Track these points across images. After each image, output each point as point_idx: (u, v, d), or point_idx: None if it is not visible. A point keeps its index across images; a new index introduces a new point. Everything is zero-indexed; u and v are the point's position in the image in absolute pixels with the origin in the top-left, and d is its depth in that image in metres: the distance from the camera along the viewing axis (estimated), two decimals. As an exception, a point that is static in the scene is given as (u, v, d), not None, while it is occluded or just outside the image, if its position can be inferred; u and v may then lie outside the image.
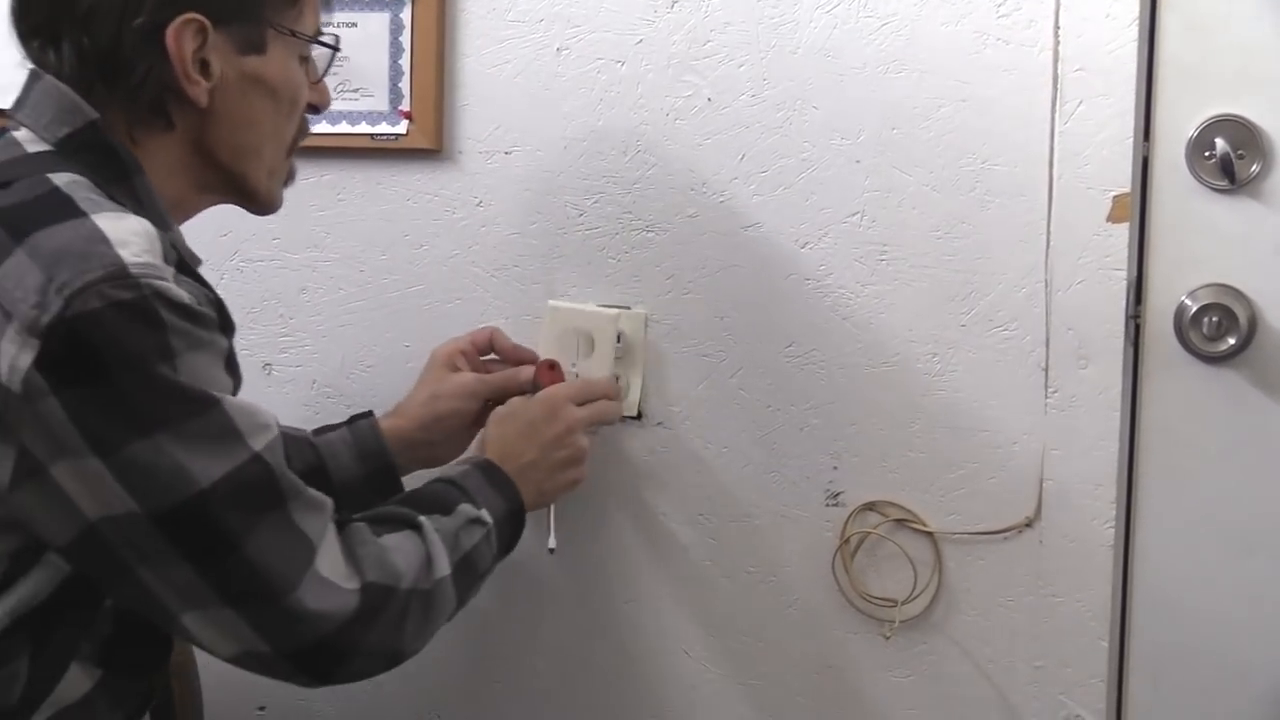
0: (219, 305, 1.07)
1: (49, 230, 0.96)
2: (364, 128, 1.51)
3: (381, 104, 1.51)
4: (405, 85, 1.49)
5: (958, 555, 1.38)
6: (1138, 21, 1.28)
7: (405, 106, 1.49)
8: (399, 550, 1.10)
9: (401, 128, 1.49)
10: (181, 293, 0.98)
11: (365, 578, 1.06)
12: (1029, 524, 1.36)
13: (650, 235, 1.44)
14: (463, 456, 1.31)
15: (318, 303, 1.53)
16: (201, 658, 1.33)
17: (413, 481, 1.37)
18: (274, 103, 1.14)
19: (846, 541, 1.41)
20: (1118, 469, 1.33)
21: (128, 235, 0.98)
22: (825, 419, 1.40)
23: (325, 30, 1.19)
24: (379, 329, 1.53)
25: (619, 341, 1.42)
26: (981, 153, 1.33)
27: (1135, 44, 1.29)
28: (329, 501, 1.08)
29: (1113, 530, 1.33)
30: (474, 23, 1.47)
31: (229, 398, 1.01)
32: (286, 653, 1.03)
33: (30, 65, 1.10)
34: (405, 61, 1.49)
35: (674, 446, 1.45)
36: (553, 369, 1.41)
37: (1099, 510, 1.33)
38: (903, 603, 1.40)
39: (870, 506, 1.40)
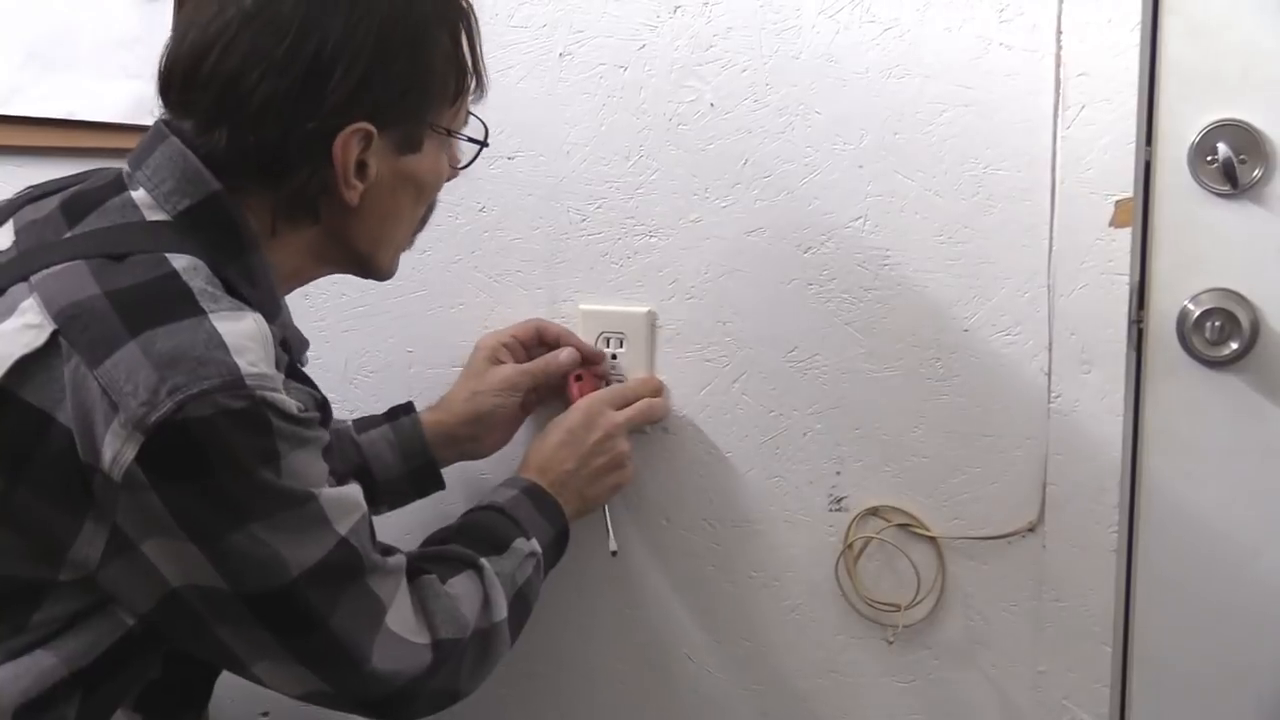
0: (323, 404, 1.09)
1: (166, 328, 0.96)
2: (367, 133, 1.51)
3: (384, 110, 1.51)
4: (408, 91, 1.49)
5: (961, 560, 1.39)
6: (1140, 26, 1.28)
7: (408, 112, 1.49)
8: (465, 598, 1.13)
9: (404, 133, 1.49)
10: (291, 403, 1.00)
11: (438, 634, 1.09)
12: (1032, 528, 1.36)
13: (653, 240, 1.44)
14: (508, 478, 1.32)
15: (320, 308, 1.53)
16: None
17: (453, 472, 1.40)
18: (418, 197, 1.14)
19: (850, 546, 1.41)
20: (1120, 473, 1.33)
21: (245, 341, 0.98)
22: (828, 424, 1.40)
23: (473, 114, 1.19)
24: (382, 334, 1.52)
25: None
26: (984, 157, 1.33)
27: (1137, 48, 1.29)
28: (403, 562, 1.10)
29: (1116, 535, 1.34)
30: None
31: (325, 490, 1.02)
32: (355, 700, 1.07)
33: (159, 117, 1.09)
34: (408, 67, 1.49)
35: (677, 451, 1.45)
36: (580, 380, 1.41)
37: (1102, 514, 1.33)
38: (906, 607, 1.40)
39: (873, 511, 1.40)
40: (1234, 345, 1.31)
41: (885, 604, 1.40)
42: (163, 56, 1.07)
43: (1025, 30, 1.31)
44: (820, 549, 1.42)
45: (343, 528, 1.02)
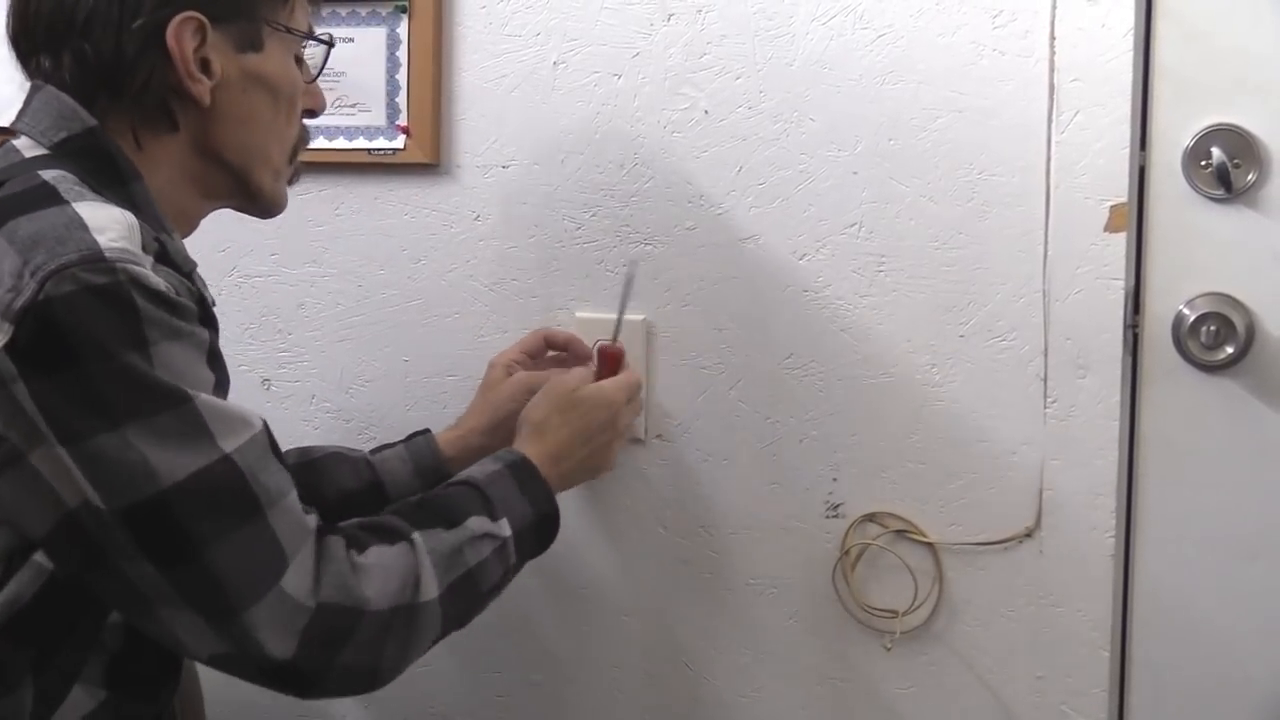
0: (200, 299, 1.06)
1: (29, 216, 0.97)
2: (361, 143, 1.51)
3: (379, 119, 1.51)
4: (402, 100, 1.50)
5: (958, 566, 1.38)
6: (1133, 31, 1.29)
7: (402, 121, 1.49)
8: (378, 568, 1.05)
9: (399, 142, 1.50)
10: (158, 280, 0.97)
11: (319, 597, 1.01)
12: (1029, 534, 1.36)
13: (648, 248, 1.44)
14: (498, 452, 1.24)
15: (316, 318, 1.53)
16: (204, 677, 1.33)
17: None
18: (274, 99, 1.15)
19: (847, 553, 1.41)
20: (1117, 478, 1.33)
21: (107, 222, 0.98)
22: (824, 430, 1.40)
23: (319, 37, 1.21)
24: (377, 343, 1.53)
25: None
26: (978, 163, 1.33)
27: (1131, 54, 1.29)
28: (316, 521, 1.04)
29: (1113, 540, 1.33)
30: (470, 37, 1.47)
31: (204, 395, 0.98)
32: (255, 663, 1.00)
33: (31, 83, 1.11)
34: (402, 76, 1.50)
35: (673, 459, 1.45)
36: (617, 359, 1.36)
37: (1099, 520, 1.33)
38: (903, 614, 1.39)
39: (870, 518, 1.40)
40: (1229, 349, 1.31)
41: (883, 610, 1.40)
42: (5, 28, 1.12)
43: (1018, 36, 1.31)
44: (817, 556, 1.42)
45: (227, 444, 0.98)
